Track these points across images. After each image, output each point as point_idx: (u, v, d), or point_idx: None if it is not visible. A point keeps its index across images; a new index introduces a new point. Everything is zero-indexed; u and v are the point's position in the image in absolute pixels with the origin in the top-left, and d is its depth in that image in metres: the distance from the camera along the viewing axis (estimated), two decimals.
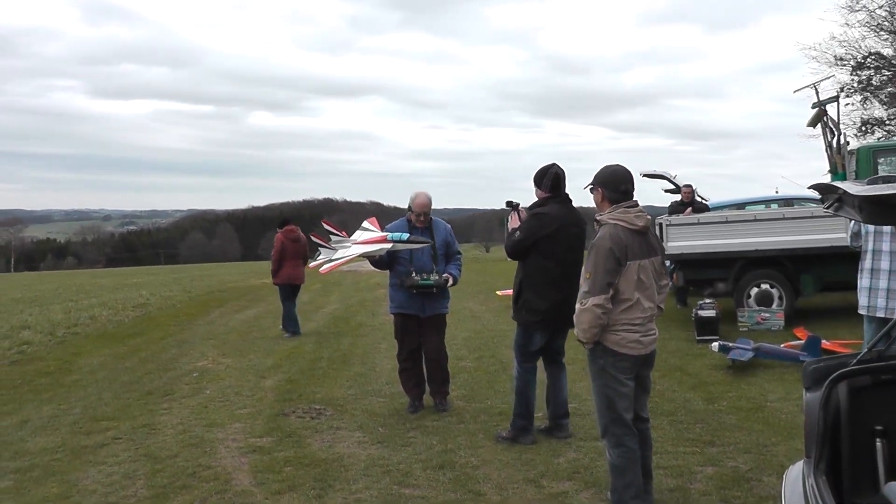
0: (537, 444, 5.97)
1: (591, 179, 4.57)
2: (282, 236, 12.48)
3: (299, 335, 12.25)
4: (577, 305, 4.35)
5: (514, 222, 6.16)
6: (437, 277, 6.96)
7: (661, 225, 11.39)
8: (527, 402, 6.09)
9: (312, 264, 7.58)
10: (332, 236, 7.45)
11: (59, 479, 5.61)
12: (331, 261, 7.27)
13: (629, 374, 4.39)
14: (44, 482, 5.56)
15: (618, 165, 4.58)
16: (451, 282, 7.07)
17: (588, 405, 6.52)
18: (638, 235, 4.38)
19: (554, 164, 5.96)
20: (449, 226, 7.35)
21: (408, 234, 6.89)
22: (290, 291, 12.54)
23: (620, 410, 4.37)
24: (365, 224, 7.57)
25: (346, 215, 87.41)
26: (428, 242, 6.92)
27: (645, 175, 15.35)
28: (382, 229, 7.23)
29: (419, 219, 7.05)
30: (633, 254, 4.31)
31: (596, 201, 4.58)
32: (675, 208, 13.47)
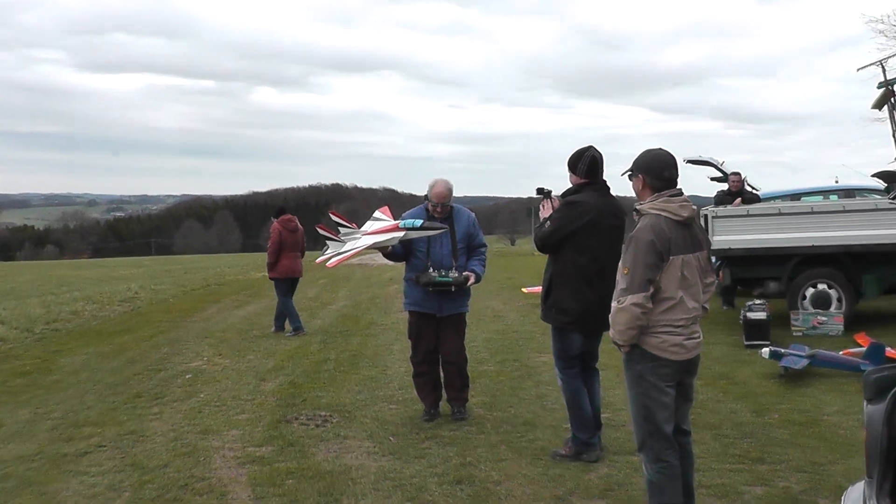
0: (566, 459, 5.95)
1: (629, 165, 4.56)
2: (279, 226, 12.54)
3: (303, 333, 12.32)
4: (614, 304, 4.33)
5: (545, 211, 6.11)
6: (456, 275, 6.93)
7: (706, 217, 11.34)
8: (582, 413, 6.02)
9: (319, 259, 7.56)
10: (340, 228, 7.41)
11: (35, 490, 5.65)
12: (339, 254, 7.24)
13: (670, 382, 4.36)
14: (19, 493, 5.60)
15: (660, 149, 4.55)
16: (472, 280, 7.02)
17: (623, 416, 6.52)
18: (682, 227, 4.35)
19: (591, 147, 5.92)
20: (473, 215, 7.29)
21: (421, 221, 6.86)
22: (289, 286, 12.64)
23: (660, 422, 4.35)
24: (377, 214, 7.53)
25: (357, 203, 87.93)
26: (444, 228, 6.88)
27: (689, 161, 15.29)
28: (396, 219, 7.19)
29: (437, 209, 7.01)
30: (677, 248, 4.28)
31: (636, 189, 4.56)
32: (723, 198, 13.40)
